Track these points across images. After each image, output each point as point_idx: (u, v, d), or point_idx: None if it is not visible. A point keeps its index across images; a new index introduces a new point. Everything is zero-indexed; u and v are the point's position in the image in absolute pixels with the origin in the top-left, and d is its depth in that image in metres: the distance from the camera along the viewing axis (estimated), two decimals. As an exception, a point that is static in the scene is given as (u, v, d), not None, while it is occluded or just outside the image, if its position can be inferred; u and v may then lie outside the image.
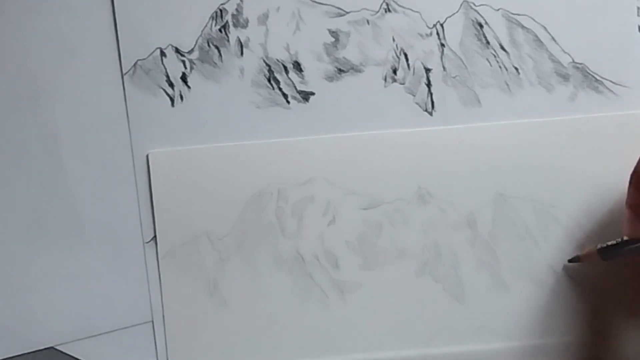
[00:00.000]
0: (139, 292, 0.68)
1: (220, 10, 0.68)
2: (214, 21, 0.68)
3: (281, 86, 0.68)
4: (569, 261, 0.68)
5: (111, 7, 0.67)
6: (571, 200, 0.68)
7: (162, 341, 0.67)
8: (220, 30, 0.68)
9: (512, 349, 0.68)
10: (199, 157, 0.67)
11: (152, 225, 0.67)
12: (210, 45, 0.68)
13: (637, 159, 0.61)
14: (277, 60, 0.68)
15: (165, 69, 0.67)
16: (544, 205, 0.69)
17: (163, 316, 0.67)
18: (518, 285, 0.69)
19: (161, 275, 0.67)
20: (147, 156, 0.67)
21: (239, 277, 0.68)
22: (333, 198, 0.68)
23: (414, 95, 0.69)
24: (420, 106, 0.69)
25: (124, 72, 0.67)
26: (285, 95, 0.68)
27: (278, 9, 0.68)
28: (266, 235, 0.68)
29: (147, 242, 0.67)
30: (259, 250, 0.68)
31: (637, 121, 0.69)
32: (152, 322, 0.68)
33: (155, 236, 0.67)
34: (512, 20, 0.68)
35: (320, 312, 0.68)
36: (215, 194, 0.68)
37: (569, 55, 0.69)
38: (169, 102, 0.68)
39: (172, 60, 0.67)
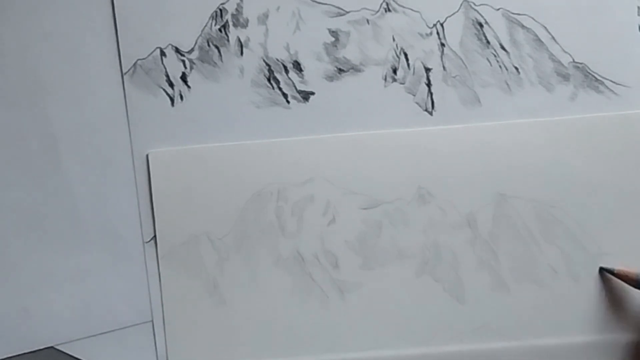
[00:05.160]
0: (138, 292, 0.68)
1: (220, 10, 0.68)
2: (214, 21, 0.68)
3: (281, 86, 0.68)
4: (602, 269, 0.68)
5: (111, 7, 0.67)
6: (571, 200, 0.68)
7: (162, 341, 0.67)
8: (220, 30, 0.68)
9: (512, 348, 0.68)
10: (199, 157, 0.67)
11: (152, 225, 0.67)
12: (210, 45, 0.67)
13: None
14: (277, 59, 0.68)
15: (165, 68, 0.67)
16: (544, 205, 0.68)
17: (163, 316, 0.67)
18: (518, 285, 0.68)
19: (161, 275, 0.67)
20: (147, 156, 0.67)
21: (239, 276, 0.68)
22: (333, 198, 0.68)
23: (414, 95, 0.68)
24: (420, 106, 0.68)
25: (124, 71, 0.67)
26: (285, 95, 0.68)
27: (278, 8, 0.68)
28: (266, 235, 0.68)
29: (147, 242, 0.67)
30: (258, 250, 0.68)
31: (637, 121, 0.69)
32: (152, 321, 0.68)
33: (155, 236, 0.67)
34: (513, 20, 0.68)
35: (320, 312, 0.68)
36: (215, 193, 0.67)
37: (570, 54, 0.69)
38: (169, 102, 0.68)
39: (172, 60, 0.67)
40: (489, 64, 0.68)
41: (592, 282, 0.69)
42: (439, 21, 0.69)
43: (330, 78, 0.68)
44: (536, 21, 0.68)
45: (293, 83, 0.68)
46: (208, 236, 0.67)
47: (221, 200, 0.67)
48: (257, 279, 0.68)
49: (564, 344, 0.68)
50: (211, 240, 0.67)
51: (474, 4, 0.69)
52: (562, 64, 0.69)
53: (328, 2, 0.68)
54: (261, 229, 0.68)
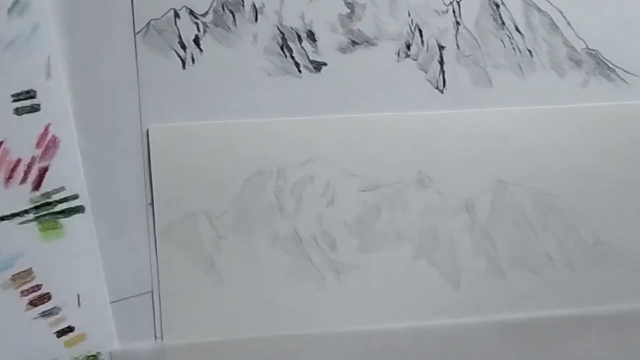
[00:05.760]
0: (136, 267, 0.65)
1: (236, -26, 0.66)
2: (230, -16, 0.66)
3: (294, 55, 0.66)
4: None
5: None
6: (570, 189, 0.69)
7: (158, 315, 0.66)
8: (235, -6, 0.66)
9: (506, 334, 0.68)
10: (199, 134, 0.65)
11: (150, 198, 0.65)
12: (225, 9, 0.65)
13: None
14: (292, 28, 0.65)
15: (179, 30, 0.64)
16: (542, 193, 0.69)
17: (159, 292, 0.65)
18: (514, 273, 0.69)
19: (158, 251, 0.65)
20: (147, 131, 0.64)
21: (236, 255, 0.66)
22: (332, 179, 0.67)
23: (426, 72, 0.67)
24: (431, 83, 0.67)
25: (136, 31, 0.64)
26: (297, 64, 0.66)
27: (294, -25, 0.66)
28: (264, 215, 0.66)
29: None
30: (256, 229, 0.66)
31: (645, 112, 0.69)
32: (152, 292, 0.66)
33: (153, 206, 0.65)
34: (529, 2, 0.68)
35: (315, 293, 0.67)
36: (215, 171, 0.65)
37: (583, 41, 0.68)
38: (181, 64, 0.64)
39: (185, 22, 0.64)
40: (502, 45, 0.68)
41: (587, 271, 0.69)
42: (455, -1, 0.68)
43: (343, 50, 0.66)
44: (552, 5, 0.68)
45: (306, 52, 0.66)
46: (206, 213, 0.65)
47: (220, 178, 0.65)
48: (254, 258, 0.66)
49: (557, 332, 0.68)
50: (209, 218, 0.65)
51: (491, -16, 0.68)
52: (576, 50, 0.68)
53: (344, -27, 0.67)
54: (260, 208, 0.66)
